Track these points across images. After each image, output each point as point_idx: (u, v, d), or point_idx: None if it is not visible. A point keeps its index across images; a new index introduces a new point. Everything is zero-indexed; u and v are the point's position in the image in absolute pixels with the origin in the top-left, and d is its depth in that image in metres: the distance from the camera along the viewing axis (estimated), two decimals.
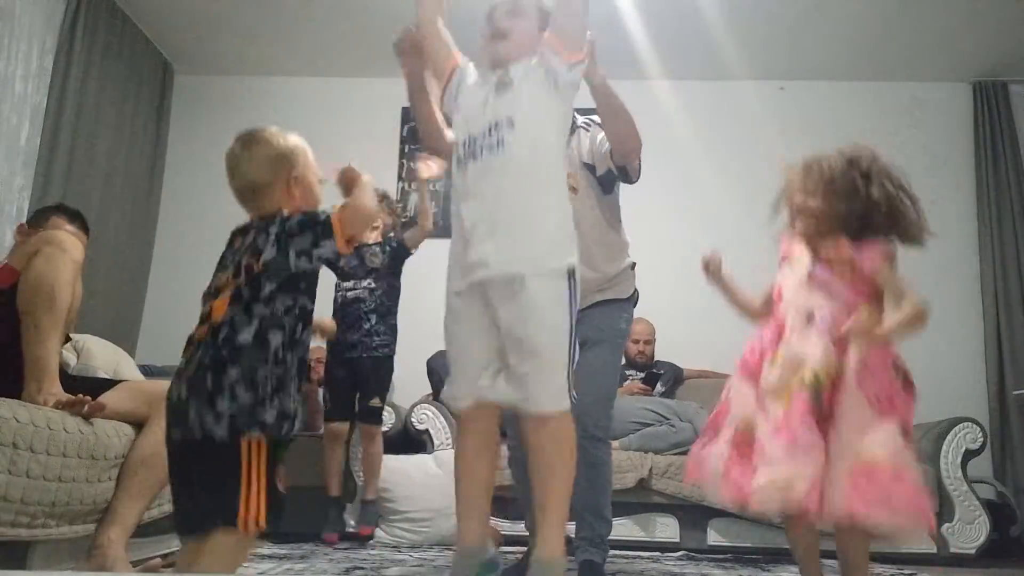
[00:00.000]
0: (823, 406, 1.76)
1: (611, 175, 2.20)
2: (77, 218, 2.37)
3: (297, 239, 1.41)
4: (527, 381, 1.60)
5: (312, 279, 1.45)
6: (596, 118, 2.20)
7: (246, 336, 1.35)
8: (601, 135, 2.17)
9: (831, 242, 1.90)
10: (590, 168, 2.20)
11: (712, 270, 2.09)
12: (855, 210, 1.87)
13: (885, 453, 1.70)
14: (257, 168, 1.51)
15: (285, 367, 1.37)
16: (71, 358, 2.71)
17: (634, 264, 2.39)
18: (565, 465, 1.62)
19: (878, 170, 1.89)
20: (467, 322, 1.68)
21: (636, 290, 2.39)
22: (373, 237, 3.21)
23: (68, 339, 2.20)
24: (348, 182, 1.54)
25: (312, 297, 1.46)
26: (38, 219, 2.33)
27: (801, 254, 1.97)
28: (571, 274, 1.64)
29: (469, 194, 1.70)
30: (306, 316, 1.44)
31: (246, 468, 1.30)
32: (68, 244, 1.92)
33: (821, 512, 1.70)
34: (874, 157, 1.92)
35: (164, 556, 2.40)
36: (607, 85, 2.09)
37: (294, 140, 1.55)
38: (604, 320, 2.23)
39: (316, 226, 1.42)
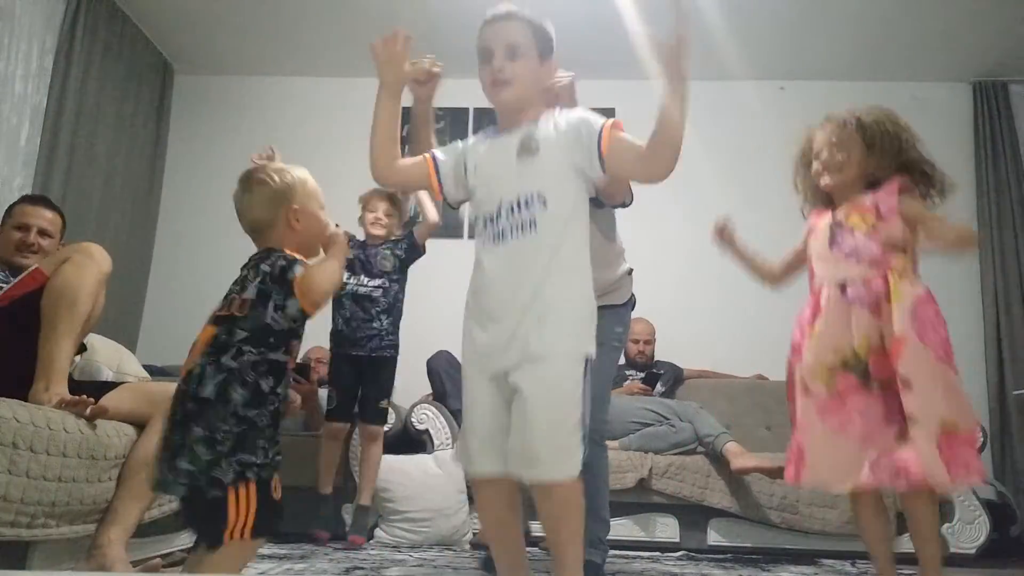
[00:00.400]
0: (876, 377, 1.76)
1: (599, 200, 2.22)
2: (40, 200, 2.43)
3: (275, 291, 1.43)
4: (528, 445, 1.47)
5: (283, 337, 1.44)
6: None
7: (209, 390, 1.37)
8: None
9: (853, 196, 1.92)
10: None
11: (725, 236, 2.13)
12: (885, 157, 1.91)
13: (961, 415, 1.72)
14: (258, 208, 1.54)
15: (249, 424, 1.37)
16: (102, 369, 2.74)
17: (631, 270, 2.40)
18: (574, 530, 1.54)
19: (903, 125, 1.95)
20: (486, 401, 1.57)
21: (633, 295, 2.40)
22: (377, 232, 3.18)
23: (84, 348, 2.22)
24: (324, 244, 1.57)
25: (288, 351, 1.45)
26: (8, 211, 2.38)
27: (823, 224, 1.98)
28: (588, 361, 1.53)
29: (496, 279, 1.56)
30: (278, 370, 1.43)
31: (232, 511, 1.35)
32: (98, 256, 1.99)
33: (886, 483, 1.72)
34: (895, 114, 1.98)
35: (164, 556, 2.40)
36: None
37: (292, 175, 1.57)
38: (601, 325, 2.23)
39: (284, 283, 1.43)
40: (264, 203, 1.53)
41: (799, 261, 2.07)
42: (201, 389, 1.37)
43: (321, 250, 1.58)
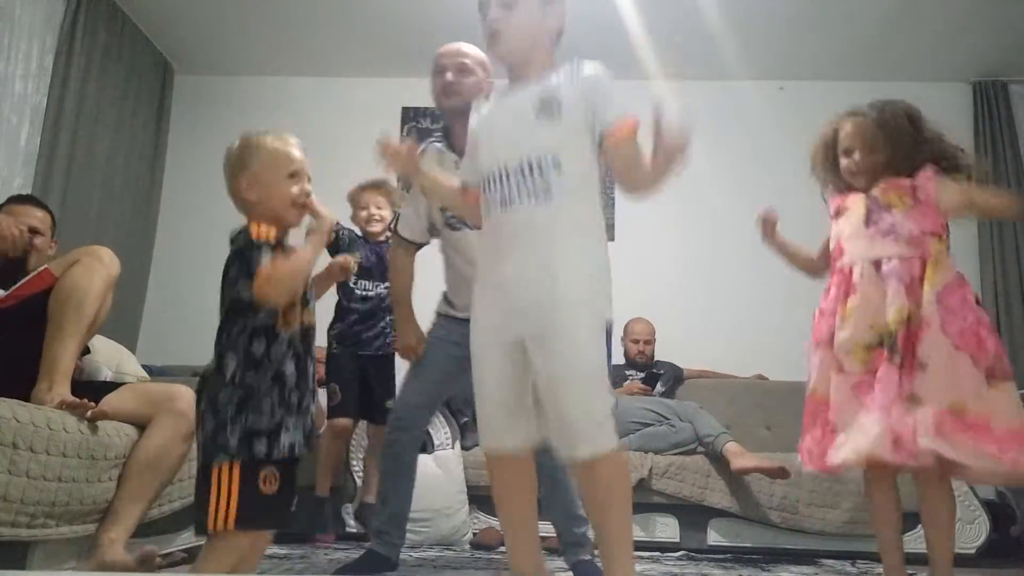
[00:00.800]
0: (901, 353, 1.75)
1: None
2: (26, 199, 2.44)
3: (237, 268, 1.45)
4: (567, 424, 1.42)
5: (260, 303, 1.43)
6: None
7: (210, 365, 1.43)
8: None
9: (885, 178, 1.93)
10: None
11: (767, 229, 2.10)
12: (909, 152, 1.94)
13: (971, 398, 1.70)
14: (225, 178, 1.55)
15: (247, 388, 1.40)
16: (101, 369, 2.74)
17: None
18: (622, 506, 1.46)
19: (919, 115, 2.02)
20: (498, 370, 1.51)
21: None
22: (376, 229, 3.13)
23: (87, 351, 2.23)
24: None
25: (270, 313, 1.44)
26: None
27: (855, 203, 1.97)
28: (609, 327, 1.50)
29: (502, 252, 1.50)
30: (265, 332, 1.43)
31: (215, 490, 1.37)
32: (107, 259, 2.01)
33: (903, 461, 1.70)
34: (909, 105, 2.05)
35: (164, 556, 2.40)
36: None
37: (251, 140, 1.54)
38: None
39: (243, 265, 1.43)
40: (225, 173, 1.54)
41: None
42: (208, 366, 1.44)
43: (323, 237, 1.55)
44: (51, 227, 2.43)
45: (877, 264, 1.86)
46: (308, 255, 1.49)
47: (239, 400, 1.39)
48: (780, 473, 3.03)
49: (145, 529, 1.99)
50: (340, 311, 3.13)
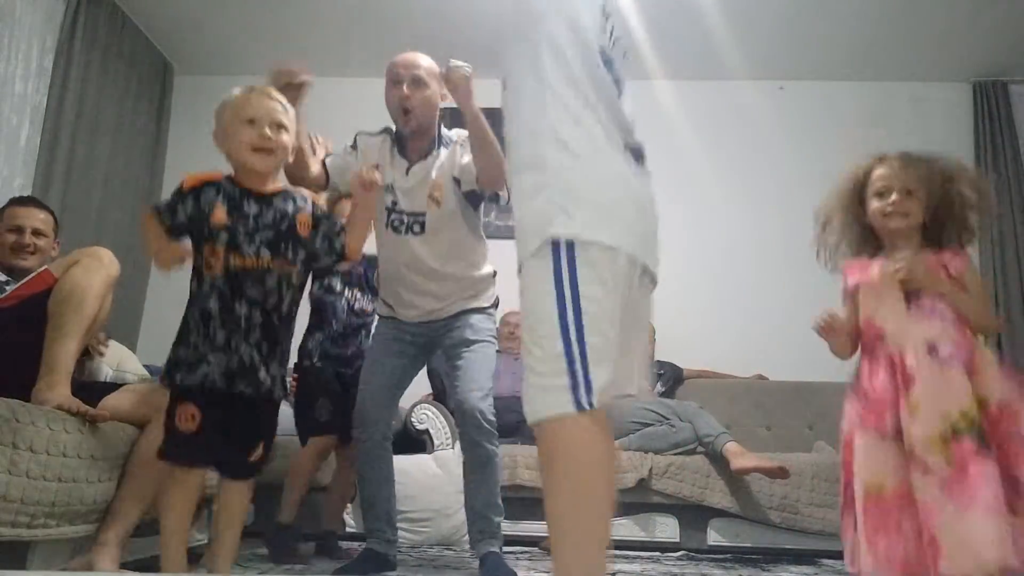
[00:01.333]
0: (987, 440, 1.58)
1: (476, 195, 2.39)
2: (30, 201, 2.45)
3: None
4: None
5: (193, 235, 1.73)
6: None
7: None
8: (470, 158, 2.33)
9: (913, 250, 1.78)
10: (456, 182, 2.36)
11: (834, 332, 1.83)
12: (939, 213, 1.80)
13: None
14: None
15: (183, 321, 1.71)
16: (102, 368, 2.74)
17: (495, 272, 2.53)
18: (555, 484, 1.16)
19: (982, 186, 1.82)
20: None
21: (497, 297, 2.54)
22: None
23: (87, 351, 2.22)
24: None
25: (199, 250, 1.71)
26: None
27: (879, 274, 1.80)
28: (555, 244, 1.16)
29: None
30: (198, 271, 1.72)
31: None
32: (107, 260, 2.02)
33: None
34: (972, 170, 1.87)
35: None
36: (479, 118, 2.23)
37: (222, 99, 1.77)
38: (478, 323, 2.42)
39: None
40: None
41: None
42: None
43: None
44: (54, 228, 2.44)
45: (932, 347, 1.69)
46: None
47: (178, 330, 1.69)
48: (780, 473, 3.03)
49: (145, 529, 1.99)
50: (322, 324, 2.84)
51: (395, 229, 2.37)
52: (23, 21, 3.50)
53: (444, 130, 2.42)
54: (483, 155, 2.25)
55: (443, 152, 2.38)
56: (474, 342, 2.36)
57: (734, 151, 4.50)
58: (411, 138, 2.38)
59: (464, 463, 2.37)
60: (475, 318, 2.41)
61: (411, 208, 2.35)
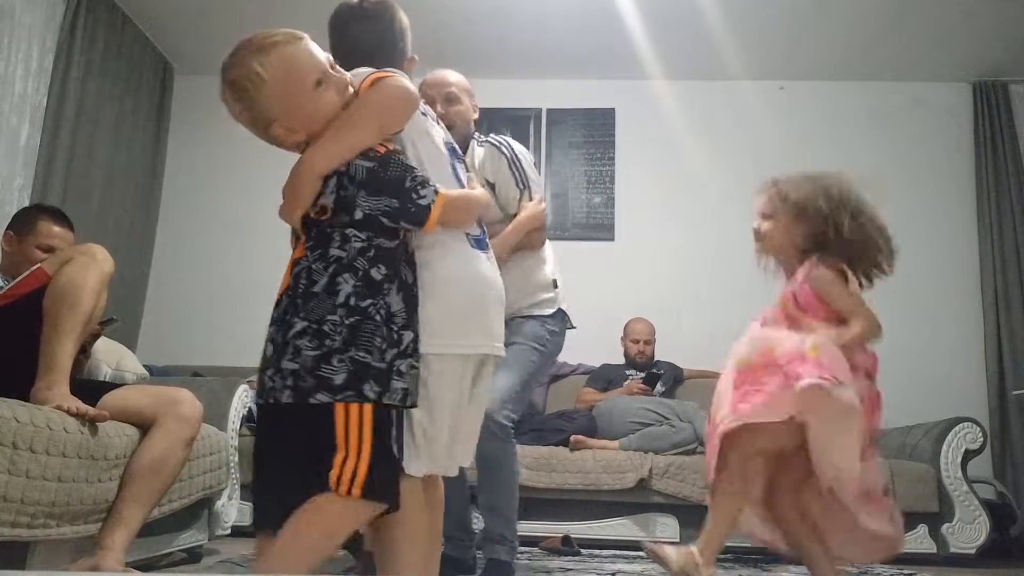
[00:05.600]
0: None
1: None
2: (62, 217, 2.40)
3: None
4: None
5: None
6: (493, 137, 2.40)
7: (320, 284, 1.27)
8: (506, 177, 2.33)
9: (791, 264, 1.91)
10: (491, 186, 2.31)
11: None
12: (815, 237, 1.85)
13: None
14: None
15: (362, 314, 1.24)
16: (101, 367, 2.73)
17: (555, 280, 2.44)
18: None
19: (855, 205, 1.86)
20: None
21: (560, 309, 2.43)
22: None
23: (84, 349, 2.22)
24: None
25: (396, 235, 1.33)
26: (23, 223, 2.33)
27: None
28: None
29: None
30: (389, 258, 1.31)
31: (341, 432, 1.19)
32: (100, 256, 1.99)
33: None
34: (848, 189, 1.89)
35: (164, 556, 2.40)
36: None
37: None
38: (522, 328, 2.32)
39: None
40: None
41: None
42: (309, 284, 1.22)
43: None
44: (71, 244, 2.41)
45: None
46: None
47: (351, 326, 1.19)
48: None
49: (145, 529, 1.99)
50: None
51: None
52: (23, 21, 3.50)
53: (479, 136, 2.41)
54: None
55: (479, 152, 2.35)
56: (509, 344, 2.17)
57: (734, 151, 4.50)
58: None
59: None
60: (526, 324, 2.30)
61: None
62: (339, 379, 1.16)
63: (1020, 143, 4.44)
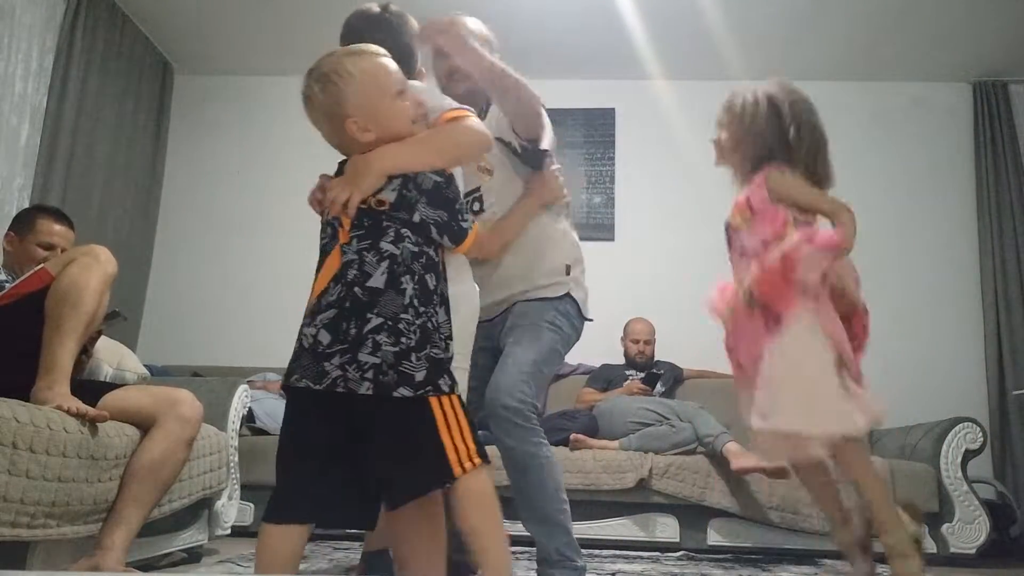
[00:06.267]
0: None
1: (531, 153, 2.02)
2: (62, 216, 2.40)
3: None
4: None
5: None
6: None
7: (379, 279, 1.34)
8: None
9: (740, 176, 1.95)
10: (505, 145, 2.01)
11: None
12: (764, 145, 1.89)
13: None
14: None
15: (427, 318, 1.35)
16: (102, 367, 2.72)
17: (567, 267, 2.16)
18: None
19: (797, 111, 1.90)
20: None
21: (570, 295, 2.11)
22: None
23: (86, 349, 2.22)
24: None
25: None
26: (23, 223, 2.35)
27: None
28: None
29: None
30: (434, 269, 1.45)
31: (443, 426, 1.29)
32: (103, 257, 1.99)
33: None
34: (794, 94, 1.96)
35: (164, 556, 2.40)
36: (482, 62, 1.83)
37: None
38: (532, 310, 2.03)
39: None
40: None
41: None
42: (363, 276, 1.28)
43: None
44: (72, 242, 2.42)
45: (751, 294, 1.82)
46: None
47: (421, 328, 1.27)
48: (780, 473, 3.03)
49: (145, 529, 1.99)
50: None
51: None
52: (23, 21, 3.50)
53: None
54: (505, 101, 1.91)
55: (495, 111, 2.02)
56: (514, 327, 1.98)
57: None
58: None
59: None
60: (530, 306, 2.01)
61: (463, 188, 1.88)
62: (420, 375, 1.25)
63: (1020, 143, 4.45)
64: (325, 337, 1.25)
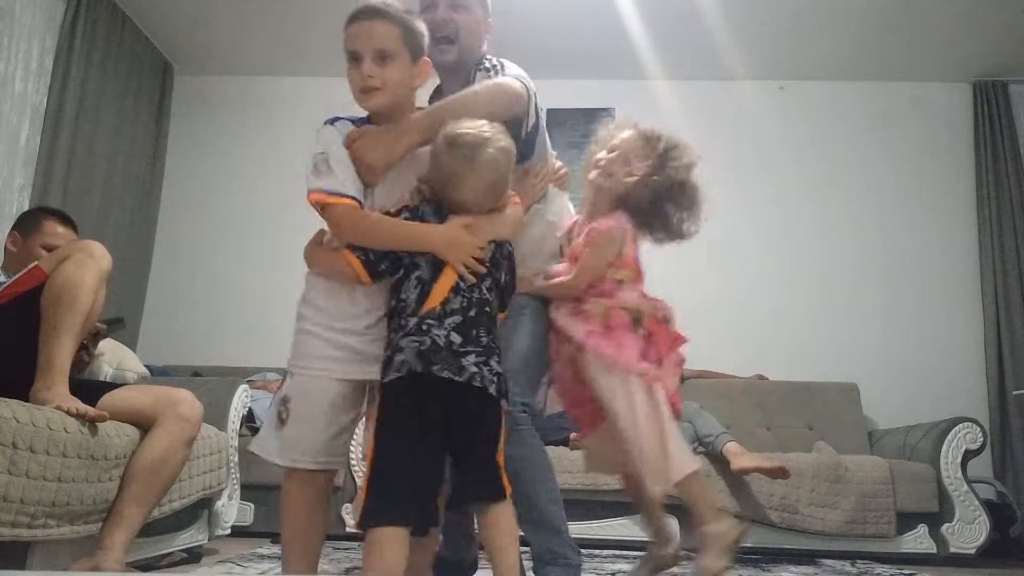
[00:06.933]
0: None
1: (522, 138, 1.85)
2: (67, 219, 2.40)
3: None
4: None
5: None
6: (488, 60, 1.87)
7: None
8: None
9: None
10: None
11: None
12: (626, 189, 1.97)
13: None
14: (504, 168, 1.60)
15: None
16: (102, 366, 2.72)
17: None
18: None
19: (674, 160, 1.99)
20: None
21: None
22: None
23: (84, 346, 2.22)
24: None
25: None
26: (28, 224, 2.33)
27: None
28: None
29: None
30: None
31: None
32: (98, 253, 1.98)
33: None
34: (673, 146, 2.01)
35: (164, 556, 2.40)
36: (432, 125, 1.59)
37: None
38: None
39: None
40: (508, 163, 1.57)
41: None
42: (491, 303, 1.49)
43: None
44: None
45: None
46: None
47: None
48: (780, 473, 3.03)
49: (145, 529, 1.99)
50: None
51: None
52: (23, 21, 3.50)
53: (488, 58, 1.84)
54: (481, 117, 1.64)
55: (479, 78, 1.81)
56: (505, 324, 1.77)
57: (734, 151, 4.50)
58: (446, 77, 1.86)
59: None
60: (516, 300, 1.80)
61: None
62: (503, 388, 1.44)
63: (1020, 143, 4.44)
64: (457, 338, 1.38)
